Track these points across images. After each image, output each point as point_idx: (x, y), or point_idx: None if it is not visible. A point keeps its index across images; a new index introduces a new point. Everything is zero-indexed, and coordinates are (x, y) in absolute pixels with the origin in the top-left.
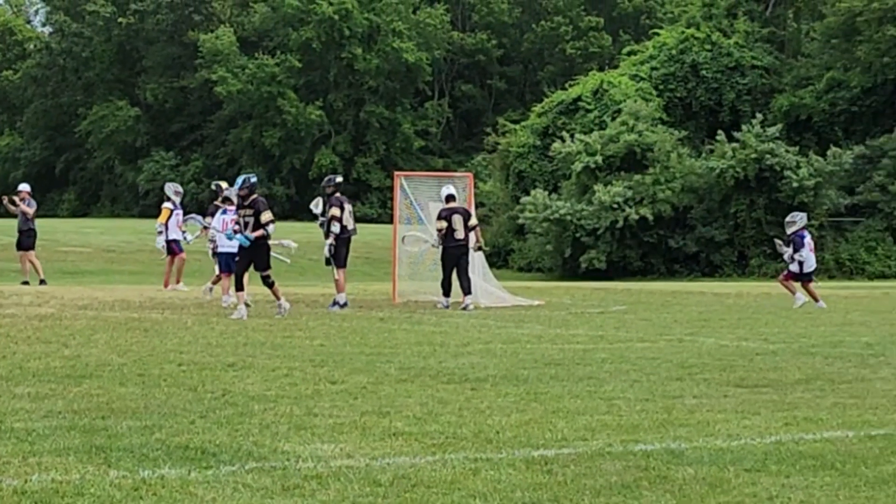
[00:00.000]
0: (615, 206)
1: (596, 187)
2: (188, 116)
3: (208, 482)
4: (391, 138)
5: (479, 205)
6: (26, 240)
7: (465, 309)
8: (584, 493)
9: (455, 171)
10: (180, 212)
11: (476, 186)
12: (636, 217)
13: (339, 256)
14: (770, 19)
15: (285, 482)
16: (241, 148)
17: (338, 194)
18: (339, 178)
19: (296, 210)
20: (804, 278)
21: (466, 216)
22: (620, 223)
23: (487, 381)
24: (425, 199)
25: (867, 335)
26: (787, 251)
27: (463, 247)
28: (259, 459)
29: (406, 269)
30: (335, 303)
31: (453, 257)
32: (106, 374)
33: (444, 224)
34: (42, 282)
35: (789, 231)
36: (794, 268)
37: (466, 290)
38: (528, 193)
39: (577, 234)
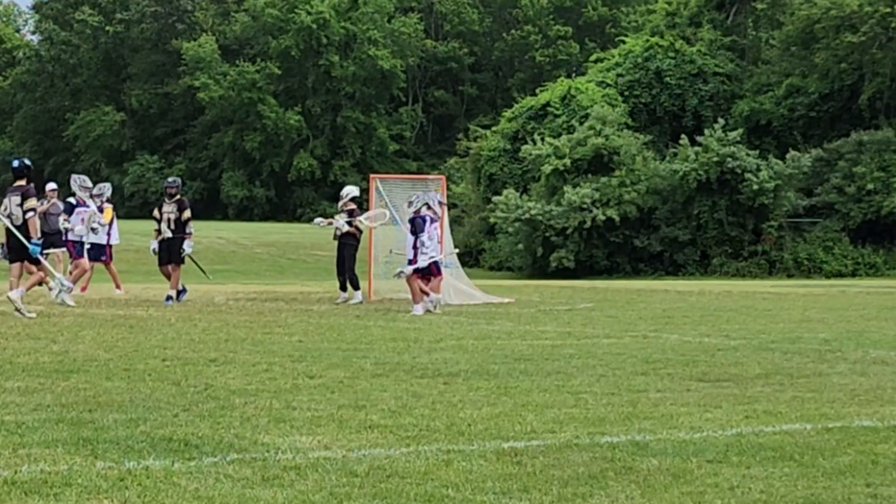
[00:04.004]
0: (583, 207)
1: (565, 189)
2: (172, 121)
3: (191, 473)
4: (367, 142)
5: (451, 206)
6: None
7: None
8: (553, 483)
9: (428, 173)
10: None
11: (449, 189)
12: (603, 218)
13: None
14: (731, 28)
15: (265, 473)
16: (223, 151)
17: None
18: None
19: (275, 211)
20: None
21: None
22: (588, 223)
23: (459, 376)
24: (400, 201)
25: (824, 332)
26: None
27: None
28: (240, 451)
29: (381, 268)
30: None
31: (353, 251)
32: (93, 369)
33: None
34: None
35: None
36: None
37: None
38: (499, 195)
39: (547, 234)
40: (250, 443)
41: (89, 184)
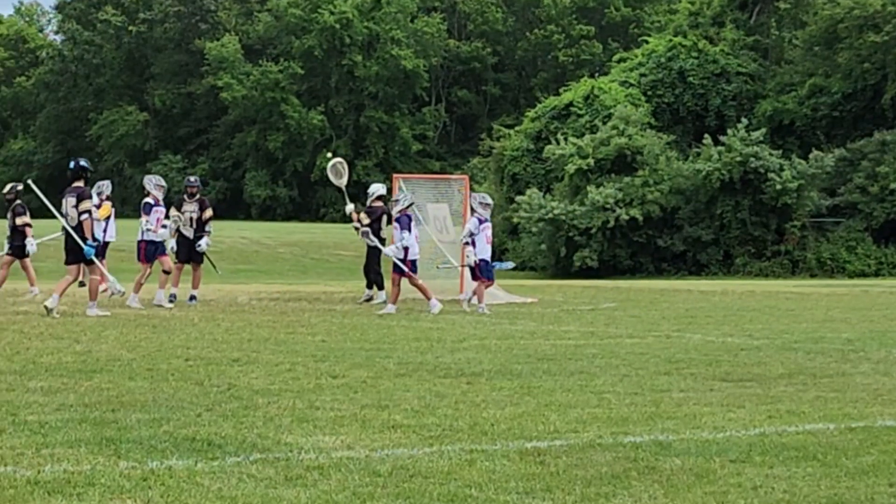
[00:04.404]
0: (606, 206)
1: (588, 188)
2: (195, 121)
3: (214, 473)
4: (390, 142)
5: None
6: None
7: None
8: (576, 482)
9: (451, 173)
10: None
11: (472, 189)
12: (626, 217)
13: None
14: (754, 27)
15: (288, 472)
16: (246, 151)
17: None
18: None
19: (298, 211)
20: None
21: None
22: (611, 223)
23: (482, 376)
24: (423, 201)
25: (847, 331)
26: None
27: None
28: (263, 451)
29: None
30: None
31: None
32: (116, 369)
33: (367, 220)
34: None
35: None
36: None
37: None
38: (522, 195)
39: (570, 234)
40: (273, 443)
41: (164, 183)
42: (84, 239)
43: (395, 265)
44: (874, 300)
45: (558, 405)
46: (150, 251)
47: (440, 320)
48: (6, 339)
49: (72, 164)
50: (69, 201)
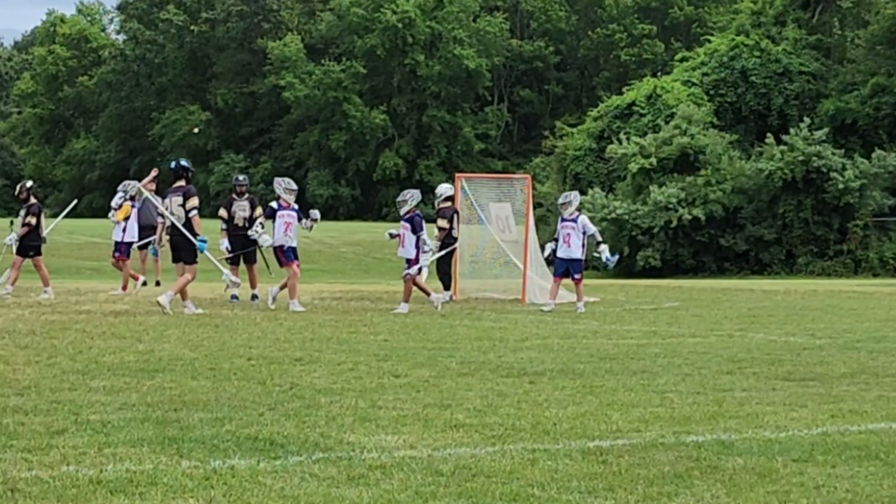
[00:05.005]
0: (669, 206)
1: (651, 188)
2: (257, 120)
3: (276, 472)
4: (452, 141)
5: (537, 205)
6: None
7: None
8: (638, 482)
9: (514, 173)
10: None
11: (534, 188)
12: (689, 217)
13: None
14: (816, 26)
15: (350, 472)
16: (308, 151)
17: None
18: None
19: (361, 210)
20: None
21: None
22: (674, 223)
23: (545, 375)
24: (485, 200)
25: None
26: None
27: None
28: (325, 450)
29: (468, 267)
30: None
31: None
32: (178, 368)
33: (446, 223)
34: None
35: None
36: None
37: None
38: (584, 194)
39: (633, 234)
40: (336, 442)
41: (294, 186)
42: (195, 234)
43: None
44: None
45: (620, 404)
46: (287, 255)
47: (502, 319)
48: (69, 339)
49: (172, 165)
50: (174, 200)
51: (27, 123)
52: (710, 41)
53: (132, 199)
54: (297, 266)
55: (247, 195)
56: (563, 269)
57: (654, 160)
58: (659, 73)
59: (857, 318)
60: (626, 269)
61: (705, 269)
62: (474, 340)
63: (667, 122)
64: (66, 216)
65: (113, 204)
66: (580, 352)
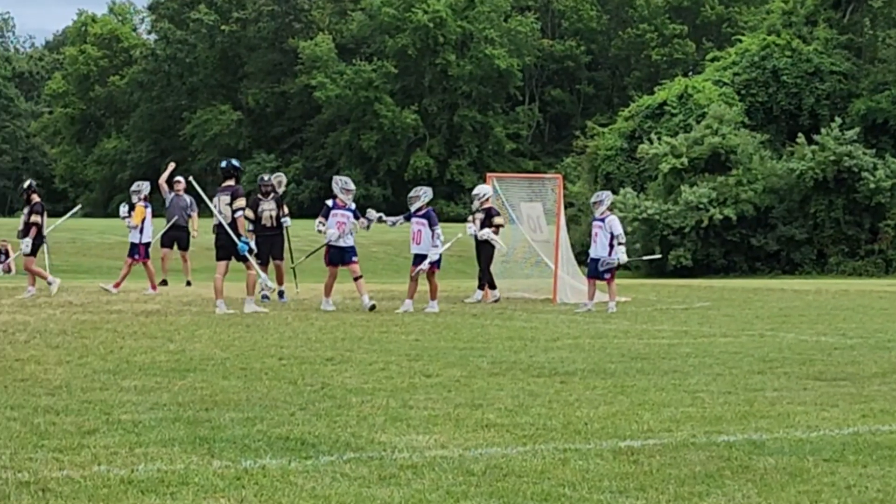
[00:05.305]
0: (700, 206)
1: (682, 188)
2: (288, 120)
3: (308, 472)
4: (483, 141)
5: (568, 205)
6: (187, 237)
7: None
8: (670, 482)
9: (545, 172)
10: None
11: (565, 187)
12: (720, 217)
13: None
14: (847, 26)
15: (382, 472)
16: (340, 150)
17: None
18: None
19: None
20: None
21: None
22: (705, 223)
23: (576, 375)
24: (516, 200)
25: None
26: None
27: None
28: (356, 450)
29: (499, 267)
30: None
31: (491, 251)
32: (209, 368)
33: (502, 220)
34: (188, 283)
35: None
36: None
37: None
38: (615, 194)
39: (665, 233)
40: (367, 442)
41: (352, 186)
42: (238, 235)
43: (425, 258)
44: None
45: (652, 404)
46: (333, 256)
47: (533, 319)
48: (100, 339)
49: (223, 164)
50: (222, 199)
51: (58, 123)
52: (741, 41)
53: (145, 199)
54: (353, 265)
55: (272, 194)
56: (594, 268)
57: (685, 160)
58: (690, 73)
59: (888, 318)
60: (657, 268)
61: (736, 268)
62: (505, 340)
63: (698, 122)
64: (70, 218)
65: (121, 214)
66: (611, 351)
